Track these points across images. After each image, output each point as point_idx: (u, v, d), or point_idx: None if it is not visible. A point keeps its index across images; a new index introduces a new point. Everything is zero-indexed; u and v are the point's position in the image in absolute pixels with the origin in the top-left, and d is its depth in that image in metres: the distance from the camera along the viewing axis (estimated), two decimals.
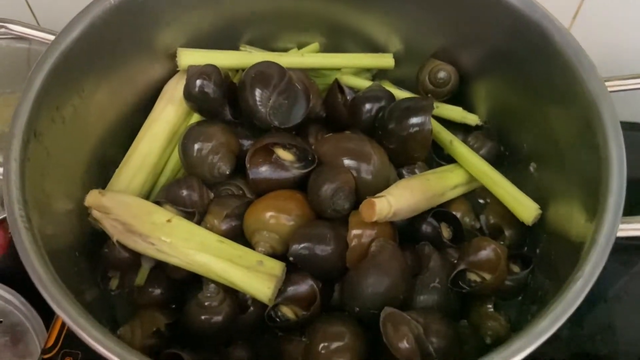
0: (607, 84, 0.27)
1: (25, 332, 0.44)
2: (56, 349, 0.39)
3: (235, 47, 0.37)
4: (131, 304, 0.31)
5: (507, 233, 0.32)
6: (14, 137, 0.24)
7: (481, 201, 0.35)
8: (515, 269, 0.31)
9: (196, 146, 0.32)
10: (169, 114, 0.34)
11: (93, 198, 0.30)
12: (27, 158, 0.24)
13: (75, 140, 0.30)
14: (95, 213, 0.29)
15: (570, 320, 0.22)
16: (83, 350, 0.39)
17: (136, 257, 0.30)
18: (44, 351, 0.39)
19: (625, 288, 0.40)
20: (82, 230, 0.30)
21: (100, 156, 0.32)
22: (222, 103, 0.33)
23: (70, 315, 0.22)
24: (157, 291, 0.30)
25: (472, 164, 0.33)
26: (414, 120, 0.32)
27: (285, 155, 0.32)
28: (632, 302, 0.40)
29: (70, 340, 0.40)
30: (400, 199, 0.29)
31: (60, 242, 0.26)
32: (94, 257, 0.31)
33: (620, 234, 0.23)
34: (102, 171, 0.33)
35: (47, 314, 0.42)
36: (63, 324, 0.41)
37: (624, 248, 0.37)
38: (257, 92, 0.32)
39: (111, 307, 0.32)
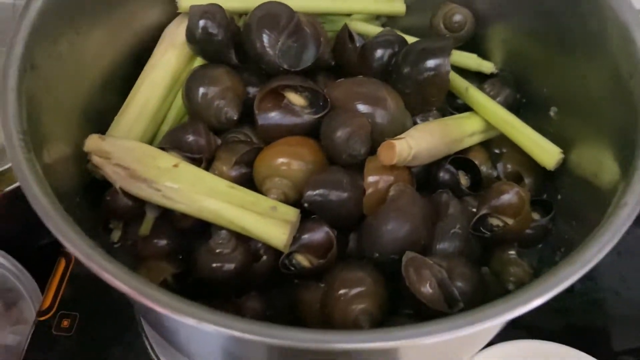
0: None
1: (20, 298, 0.42)
2: (53, 310, 0.37)
3: None
4: (135, 256, 0.29)
5: (526, 180, 0.31)
6: (10, 67, 0.22)
7: (497, 151, 0.34)
8: (536, 216, 0.30)
9: (201, 90, 0.30)
10: (169, 58, 0.32)
11: (93, 142, 0.28)
12: (24, 90, 0.22)
13: (73, 79, 0.28)
14: (96, 159, 0.28)
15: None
16: (81, 311, 0.38)
17: (140, 205, 0.28)
18: (40, 313, 0.37)
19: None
20: (82, 178, 0.28)
21: (98, 100, 0.30)
22: (228, 45, 0.31)
23: (82, 250, 0.20)
24: (163, 242, 0.29)
25: (490, 110, 0.32)
26: (432, 62, 0.30)
27: (296, 99, 0.30)
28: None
29: (67, 302, 0.38)
30: (420, 141, 0.28)
31: (59, 185, 0.24)
32: (94, 207, 0.29)
33: None
34: (101, 118, 0.31)
35: (42, 278, 0.41)
36: (59, 286, 0.39)
37: None
38: (265, 33, 0.30)
39: None
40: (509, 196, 0.28)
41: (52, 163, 0.24)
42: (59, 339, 0.36)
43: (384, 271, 0.27)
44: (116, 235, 0.30)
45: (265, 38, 0.30)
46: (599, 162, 0.27)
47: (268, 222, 0.26)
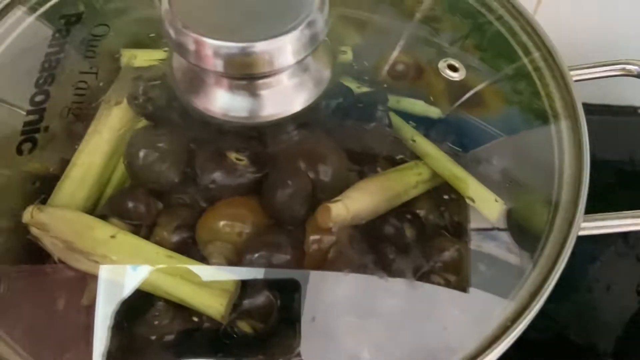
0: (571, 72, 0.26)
1: None
2: None
3: None
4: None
5: (468, 230, 0.31)
6: None
7: (446, 197, 0.34)
8: None
9: (142, 154, 0.30)
10: (113, 120, 0.32)
11: (30, 215, 0.28)
12: None
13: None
14: (34, 230, 0.28)
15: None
16: None
17: (82, 276, 0.28)
18: None
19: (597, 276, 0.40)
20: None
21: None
22: (170, 107, 0.31)
23: None
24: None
25: (435, 160, 0.32)
26: (369, 114, 0.30)
27: (238, 159, 0.30)
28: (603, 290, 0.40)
29: None
30: (357, 202, 0.28)
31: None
32: None
33: (582, 232, 0.22)
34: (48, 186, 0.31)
35: None
36: None
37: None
38: None
39: None
40: (449, 253, 0.28)
41: None
42: None
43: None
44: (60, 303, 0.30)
45: None
46: (533, 213, 0.27)
47: (205, 292, 0.26)
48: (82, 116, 0.27)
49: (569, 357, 0.37)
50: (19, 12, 0.31)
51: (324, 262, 0.27)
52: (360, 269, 0.28)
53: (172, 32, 0.23)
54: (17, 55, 0.28)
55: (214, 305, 0.26)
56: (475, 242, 0.28)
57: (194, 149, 0.31)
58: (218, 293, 0.26)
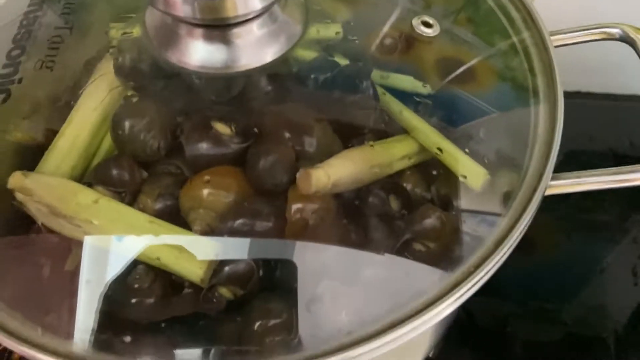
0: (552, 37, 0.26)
1: None
2: None
3: None
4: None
5: (455, 203, 0.31)
6: None
7: (434, 172, 0.34)
8: None
9: (127, 123, 0.30)
10: (101, 92, 0.32)
11: (16, 180, 0.28)
12: None
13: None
14: (19, 196, 0.28)
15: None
16: None
17: (65, 241, 0.29)
18: None
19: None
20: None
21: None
22: (157, 76, 0.31)
23: None
24: None
25: (422, 132, 0.32)
26: (354, 86, 0.30)
27: (223, 129, 0.30)
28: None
29: None
30: (339, 169, 0.28)
31: None
32: None
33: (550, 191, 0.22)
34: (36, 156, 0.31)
35: None
36: None
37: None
38: None
39: None
40: (431, 220, 0.28)
41: None
42: None
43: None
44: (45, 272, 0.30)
45: None
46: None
47: (186, 257, 0.27)
48: (54, 69, 0.27)
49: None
50: None
51: (306, 230, 0.27)
52: (341, 237, 0.27)
53: None
54: None
55: (194, 270, 0.26)
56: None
57: (180, 119, 0.31)
58: (200, 258, 0.26)
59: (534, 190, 0.23)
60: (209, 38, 0.26)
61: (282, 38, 0.28)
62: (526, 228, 0.23)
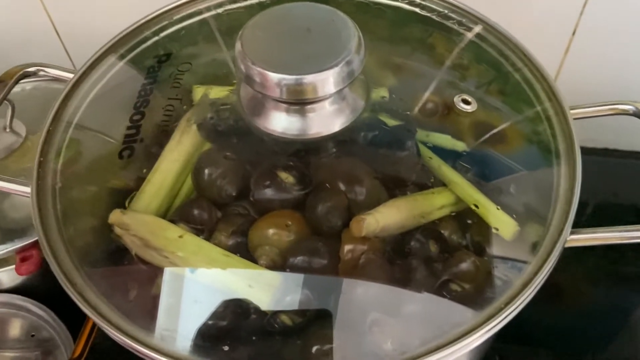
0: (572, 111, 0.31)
1: (56, 347, 0.48)
2: (82, 358, 0.43)
3: None
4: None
5: (488, 250, 0.35)
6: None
7: (469, 221, 0.38)
8: None
9: (206, 171, 0.36)
10: (184, 142, 0.38)
11: (116, 216, 0.34)
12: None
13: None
14: (117, 230, 0.33)
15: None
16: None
17: (153, 270, 0.34)
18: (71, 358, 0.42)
19: None
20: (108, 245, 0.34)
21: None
22: (232, 133, 0.37)
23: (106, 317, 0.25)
24: None
25: (458, 186, 0.36)
26: (400, 144, 0.35)
27: (286, 177, 0.36)
28: None
29: (97, 350, 0.43)
30: (386, 215, 0.33)
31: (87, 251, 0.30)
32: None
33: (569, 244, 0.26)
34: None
35: (75, 329, 0.46)
36: (89, 336, 0.44)
37: None
38: None
39: None
40: (466, 264, 0.32)
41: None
42: None
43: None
44: (132, 294, 0.35)
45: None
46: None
47: (255, 286, 0.31)
48: (169, 132, 0.33)
49: None
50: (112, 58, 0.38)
51: (356, 268, 0.32)
52: (386, 275, 0.32)
53: (242, 67, 0.30)
54: (114, 91, 0.35)
55: (261, 298, 0.31)
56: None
57: (249, 168, 0.37)
58: (265, 287, 0.31)
59: (555, 242, 0.27)
60: (290, 112, 0.32)
61: (347, 111, 0.33)
62: (549, 273, 0.27)
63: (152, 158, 0.33)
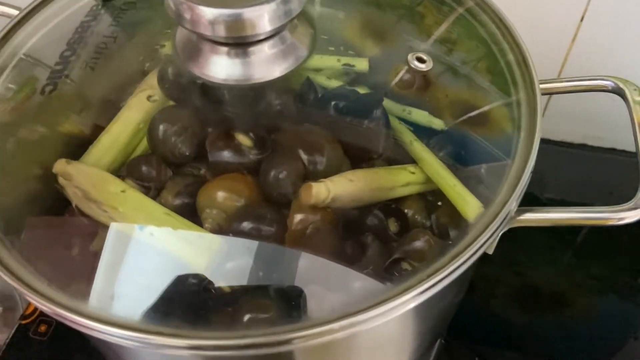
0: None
1: (16, 304, 0.47)
2: (34, 316, 0.42)
3: None
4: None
5: (451, 234, 0.32)
6: None
7: (439, 203, 0.35)
8: None
9: (161, 127, 0.34)
10: (144, 99, 0.36)
11: (60, 165, 0.32)
12: None
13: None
14: (61, 180, 0.32)
15: None
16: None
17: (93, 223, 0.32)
18: (23, 317, 0.42)
19: None
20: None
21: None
22: (193, 90, 0.35)
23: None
24: None
25: (427, 162, 0.34)
26: (368, 114, 0.33)
27: (244, 140, 0.34)
28: None
29: None
30: (339, 185, 0.30)
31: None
32: None
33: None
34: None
35: None
36: None
37: None
38: None
39: None
40: (420, 243, 0.30)
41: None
42: (34, 342, 0.40)
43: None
44: (75, 250, 0.34)
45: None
46: None
47: (192, 248, 0.30)
48: (96, 69, 0.32)
49: None
50: None
51: (303, 239, 0.30)
52: (334, 249, 0.30)
53: (172, 4, 0.28)
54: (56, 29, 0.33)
55: (197, 261, 0.29)
56: None
57: (206, 128, 0.35)
58: (204, 251, 0.29)
59: (496, 215, 0.24)
60: (226, 55, 0.30)
61: (290, 58, 0.31)
62: (483, 249, 0.24)
63: (79, 97, 0.32)
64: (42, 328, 0.41)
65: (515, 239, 0.45)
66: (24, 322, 0.42)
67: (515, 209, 0.25)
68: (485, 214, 0.25)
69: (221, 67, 0.30)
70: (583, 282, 0.50)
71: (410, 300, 0.23)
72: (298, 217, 0.31)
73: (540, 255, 0.51)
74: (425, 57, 0.32)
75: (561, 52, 0.51)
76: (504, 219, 0.24)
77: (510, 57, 0.30)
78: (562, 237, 0.52)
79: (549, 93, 0.29)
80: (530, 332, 0.48)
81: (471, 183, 0.33)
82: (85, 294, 0.29)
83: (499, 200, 0.25)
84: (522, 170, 0.25)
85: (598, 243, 0.51)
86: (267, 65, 0.30)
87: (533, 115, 0.26)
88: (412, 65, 0.32)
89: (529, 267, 0.50)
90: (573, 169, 0.53)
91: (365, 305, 0.22)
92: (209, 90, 0.35)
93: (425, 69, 0.32)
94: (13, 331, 0.41)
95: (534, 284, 0.50)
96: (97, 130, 0.35)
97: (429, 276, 0.23)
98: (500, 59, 0.31)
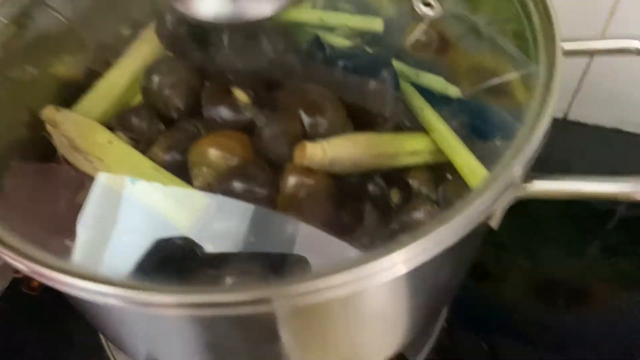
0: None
1: None
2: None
3: None
4: None
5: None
6: None
7: (449, 177, 0.33)
8: None
9: (156, 78, 0.32)
10: (142, 50, 0.35)
11: (48, 112, 0.31)
12: None
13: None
14: (48, 127, 0.31)
15: None
16: None
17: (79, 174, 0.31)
18: (16, 270, 0.41)
19: None
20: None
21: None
22: (193, 42, 0.33)
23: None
24: None
25: (436, 130, 0.32)
26: (376, 75, 0.31)
27: (242, 96, 0.32)
28: None
29: None
30: (338, 147, 0.28)
31: None
32: None
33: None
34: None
35: None
36: None
37: None
38: (226, 34, 0.32)
39: None
40: (419, 213, 0.27)
41: None
42: (24, 296, 0.40)
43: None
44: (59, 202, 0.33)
45: (225, 37, 0.32)
46: None
47: (178, 206, 0.28)
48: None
49: None
50: None
51: (294, 203, 0.28)
52: (326, 217, 0.28)
53: None
54: None
55: (182, 220, 0.27)
56: None
57: (204, 83, 0.33)
58: (189, 210, 0.28)
59: (495, 180, 0.22)
60: None
61: None
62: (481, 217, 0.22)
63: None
64: (35, 283, 0.41)
65: (537, 227, 0.43)
66: (16, 275, 0.41)
67: (522, 176, 0.22)
68: (488, 181, 0.22)
69: (210, 2, 0.28)
70: (608, 277, 0.47)
71: (393, 266, 0.20)
72: (292, 179, 0.29)
73: (562, 246, 0.48)
74: (432, 2, 0.29)
75: (605, 10, 0.46)
76: (507, 184, 0.22)
77: (536, 18, 0.27)
78: (589, 228, 0.49)
79: (576, 53, 0.25)
80: (545, 326, 0.46)
81: (484, 155, 0.31)
82: (66, 249, 0.28)
83: (501, 164, 0.22)
84: (532, 132, 0.22)
85: (627, 235, 0.47)
86: (256, 3, 0.28)
87: (550, 72, 0.23)
88: (418, 10, 0.29)
89: (548, 257, 0.47)
90: (602, 153, 0.50)
91: (346, 267, 0.20)
92: (208, 42, 0.33)
93: (432, 15, 0.29)
94: (6, 284, 0.40)
95: (552, 276, 0.47)
96: (94, 76, 0.33)
97: (416, 239, 0.20)
98: (524, 19, 0.28)
